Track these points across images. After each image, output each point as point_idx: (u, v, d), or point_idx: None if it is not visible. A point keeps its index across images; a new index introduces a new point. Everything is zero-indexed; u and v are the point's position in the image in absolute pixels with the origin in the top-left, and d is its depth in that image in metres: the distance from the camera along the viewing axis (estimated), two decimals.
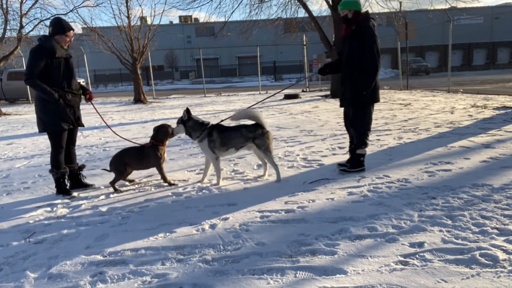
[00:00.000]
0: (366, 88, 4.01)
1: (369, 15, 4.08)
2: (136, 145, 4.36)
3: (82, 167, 4.33)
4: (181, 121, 4.15)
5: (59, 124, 3.91)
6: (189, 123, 4.10)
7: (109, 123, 9.77)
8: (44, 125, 3.94)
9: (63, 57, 3.91)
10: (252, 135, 4.07)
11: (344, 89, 4.22)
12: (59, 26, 3.88)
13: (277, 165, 4.20)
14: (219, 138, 4.04)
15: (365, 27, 3.95)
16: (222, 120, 4.31)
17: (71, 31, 3.95)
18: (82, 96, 4.22)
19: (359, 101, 4.10)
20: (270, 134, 4.17)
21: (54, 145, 4.01)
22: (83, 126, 4.25)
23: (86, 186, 4.28)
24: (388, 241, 2.60)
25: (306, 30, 18.97)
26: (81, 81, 19.71)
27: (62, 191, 4.05)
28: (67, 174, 4.10)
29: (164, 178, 4.19)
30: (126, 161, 4.14)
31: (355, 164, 4.27)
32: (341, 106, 4.44)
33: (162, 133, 4.19)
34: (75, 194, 4.03)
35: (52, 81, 3.84)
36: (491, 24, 41.18)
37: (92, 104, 4.45)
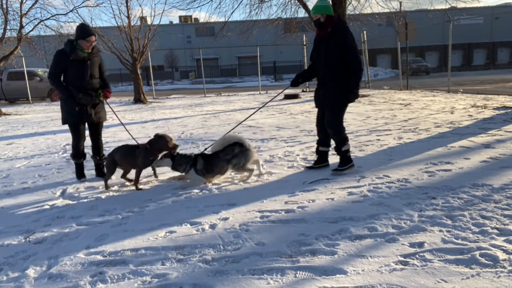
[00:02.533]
0: (357, 87, 4.09)
1: (341, 18, 4.22)
2: (135, 143, 4.36)
3: (104, 159, 4.69)
4: (169, 155, 4.13)
5: (69, 118, 4.39)
6: (175, 157, 4.11)
7: (108, 123, 9.78)
8: (62, 118, 4.48)
9: (79, 59, 4.23)
10: (230, 156, 4.13)
11: (324, 91, 4.23)
12: (80, 31, 4.22)
13: (252, 171, 4.28)
14: (204, 166, 4.09)
15: (343, 28, 4.05)
16: (205, 149, 4.41)
17: (92, 36, 4.23)
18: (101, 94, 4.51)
19: (341, 102, 4.15)
20: (250, 152, 4.20)
21: (72, 136, 4.54)
22: (96, 122, 4.55)
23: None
24: (388, 241, 2.60)
25: (306, 30, 18.93)
26: None
27: (77, 175, 4.64)
28: (84, 161, 4.66)
29: (136, 181, 4.15)
30: (116, 159, 4.19)
31: (344, 161, 4.30)
32: (317, 107, 4.46)
33: (160, 143, 4.12)
34: (83, 179, 4.58)
35: (68, 80, 4.28)
36: (491, 24, 41.19)
37: (106, 102, 4.68)
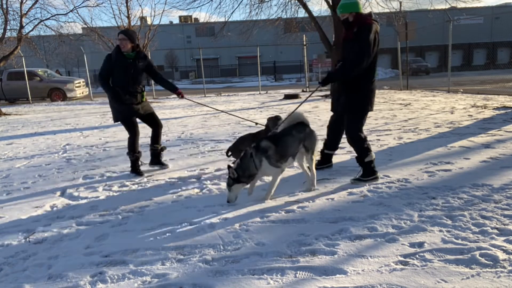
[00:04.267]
0: (336, 76, 3.89)
1: (371, 16, 3.82)
2: (255, 126, 4.41)
3: (163, 148, 4.94)
4: (231, 182, 3.34)
5: (118, 116, 4.64)
6: (239, 174, 3.31)
7: (109, 123, 9.78)
8: (112, 117, 4.71)
9: (123, 63, 4.43)
10: (302, 135, 3.62)
11: (340, 95, 4.03)
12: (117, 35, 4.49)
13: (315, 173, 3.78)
14: (274, 149, 3.40)
15: (365, 29, 3.66)
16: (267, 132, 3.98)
17: (119, 35, 4.44)
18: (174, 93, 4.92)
19: (359, 109, 3.88)
20: (315, 133, 3.79)
21: (128, 132, 4.70)
22: (145, 114, 4.73)
23: (162, 165, 4.92)
24: (388, 241, 2.60)
25: (306, 30, 18.95)
26: (81, 81, 19.71)
27: (135, 171, 4.70)
28: (140, 158, 4.75)
29: None
30: (242, 149, 4.18)
31: (367, 172, 3.91)
32: (332, 110, 4.36)
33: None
34: (145, 174, 4.64)
35: (114, 82, 4.51)
36: (491, 24, 41.16)
37: (186, 98, 5.16)
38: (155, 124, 4.85)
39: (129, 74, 4.46)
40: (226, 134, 7.20)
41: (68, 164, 5.50)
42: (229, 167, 3.36)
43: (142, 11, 49.58)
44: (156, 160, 4.91)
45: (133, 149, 4.66)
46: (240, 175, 3.29)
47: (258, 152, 3.38)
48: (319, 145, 3.88)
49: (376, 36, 3.73)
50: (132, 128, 4.66)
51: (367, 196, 3.49)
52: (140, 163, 4.74)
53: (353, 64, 3.70)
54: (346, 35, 3.89)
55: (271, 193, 3.54)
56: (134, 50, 4.49)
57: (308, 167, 3.78)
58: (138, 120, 4.72)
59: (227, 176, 3.37)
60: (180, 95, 4.89)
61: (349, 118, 3.99)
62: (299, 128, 3.68)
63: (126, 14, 15.75)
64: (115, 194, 4.01)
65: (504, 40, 34.08)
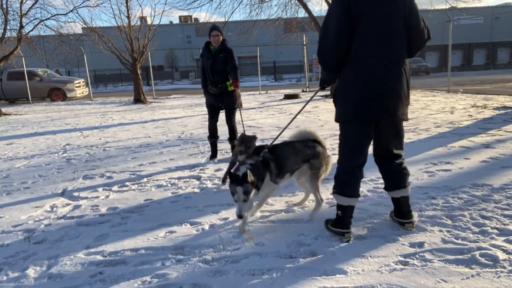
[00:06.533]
0: (322, 75, 2.86)
1: None
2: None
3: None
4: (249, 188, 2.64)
5: (206, 103, 5.28)
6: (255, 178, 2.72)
7: (109, 123, 9.79)
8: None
9: (207, 56, 4.94)
10: (310, 151, 3.07)
11: None
12: (208, 31, 4.92)
13: (322, 201, 3.12)
14: (274, 161, 2.94)
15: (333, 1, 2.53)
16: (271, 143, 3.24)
17: (213, 31, 4.85)
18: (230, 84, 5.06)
19: (338, 113, 2.71)
20: (330, 158, 3.20)
21: (208, 117, 5.32)
22: (226, 108, 5.16)
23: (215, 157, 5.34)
24: (388, 241, 2.60)
25: (306, 30, 18.93)
26: (81, 81, 19.71)
27: (211, 155, 5.35)
28: (215, 142, 5.34)
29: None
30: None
31: (334, 219, 2.71)
32: None
33: None
34: (215, 160, 5.26)
35: (204, 74, 5.12)
36: (491, 24, 41.15)
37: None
38: (228, 119, 5.26)
39: (209, 65, 4.92)
40: (226, 134, 7.17)
41: (68, 164, 5.50)
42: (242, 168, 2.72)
43: (142, 11, 49.50)
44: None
45: (209, 134, 5.32)
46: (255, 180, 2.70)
47: (263, 163, 2.87)
48: (330, 169, 3.22)
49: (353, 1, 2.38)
50: (210, 116, 5.28)
51: (367, 196, 3.49)
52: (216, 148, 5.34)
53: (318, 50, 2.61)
54: None
55: (259, 207, 3.11)
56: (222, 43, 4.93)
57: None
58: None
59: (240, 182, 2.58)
60: (232, 86, 5.00)
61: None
62: (307, 142, 3.15)
63: (126, 14, 15.72)
64: (115, 194, 4.01)
65: (504, 40, 34.06)
